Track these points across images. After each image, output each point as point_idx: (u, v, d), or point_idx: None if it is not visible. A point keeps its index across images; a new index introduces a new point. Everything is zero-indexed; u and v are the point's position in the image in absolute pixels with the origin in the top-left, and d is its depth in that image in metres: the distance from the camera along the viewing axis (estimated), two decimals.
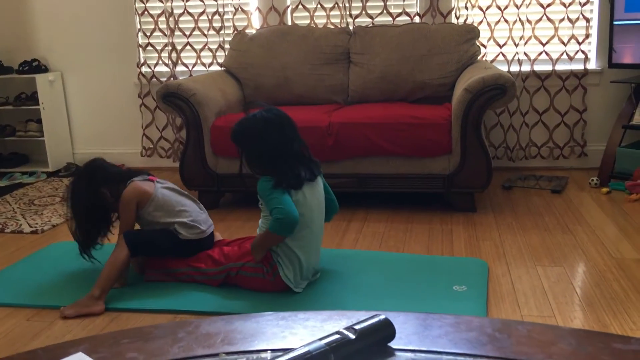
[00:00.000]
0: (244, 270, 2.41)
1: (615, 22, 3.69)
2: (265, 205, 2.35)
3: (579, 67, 3.94)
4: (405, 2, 4.05)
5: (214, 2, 4.26)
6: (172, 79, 4.35)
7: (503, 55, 4.01)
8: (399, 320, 0.91)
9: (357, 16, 4.11)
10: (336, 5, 4.11)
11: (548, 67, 3.98)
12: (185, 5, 4.30)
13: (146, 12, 4.36)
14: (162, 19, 4.34)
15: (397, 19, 4.06)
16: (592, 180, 3.67)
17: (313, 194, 2.40)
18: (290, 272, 2.37)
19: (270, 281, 2.38)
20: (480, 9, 3.98)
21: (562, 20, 3.90)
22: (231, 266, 2.43)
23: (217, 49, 4.33)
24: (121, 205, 2.50)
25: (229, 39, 4.17)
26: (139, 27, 4.40)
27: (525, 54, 3.98)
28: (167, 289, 2.47)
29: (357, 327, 0.85)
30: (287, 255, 2.37)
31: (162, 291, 2.45)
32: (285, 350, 0.81)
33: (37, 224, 3.38)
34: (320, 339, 0.83)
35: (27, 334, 2.18)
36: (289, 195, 2.30)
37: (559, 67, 3.97)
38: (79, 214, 2.53)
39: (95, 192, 2.52)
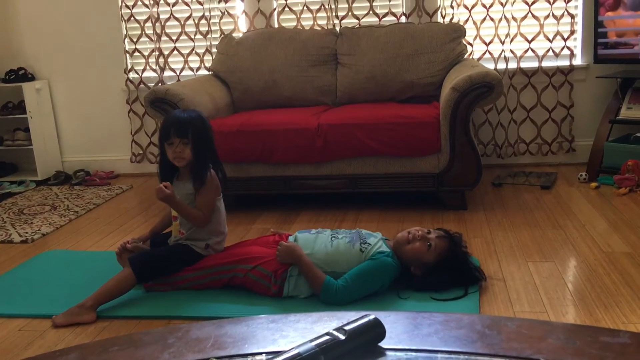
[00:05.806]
0: (252, 273, 2.40)
1: (599, 18, 3.72)
2: (351, 270, 2.31)
3: (565, 63, 3.97)
4: (391, 3, 4.06)
5: (200, 7, 4.26)
6: (159, 84, 4.34)
7: (489, 53, 4.03)
8: (389, 320, 0.91)
9: (343, 17, 4.11)
10: (322, 7, 4.12)
11: (534, 64, 4.00)
12: (171, 10, 4.29)
13: (132, 18, 4.34)
14: (149, 24, 4.33)
15: (384, 19, 4.07)
16: (581, 175, 3.69)
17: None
18: (294, 291, 2.37)
19: (272, 291, 2.37)
20: (466, 7, 3.99)
21: (547, 17, 3.92)
22: (242, 267, 2.42)
23: (204, 53, 4.32)
24: (211, 180, 2.49)
25: (216, 42, 4.17)
26: (125, 32, 4.39)
27: (512, 51, 4.00)
28: (160, 296, 2.45)
29: (347, 327, 0.85)
30: (303, 281, 2.36)
31: (154, 298, 2.44)
32: (276, 353, 0.81)
33: (27, 233, 3.36)
34: (311, 341, 0.83)
35: (19, 344, 2.16)
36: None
37: (545, 63, 3.99)
38: (203, 143, 2.48)
39: (207, 144, 2.51)
